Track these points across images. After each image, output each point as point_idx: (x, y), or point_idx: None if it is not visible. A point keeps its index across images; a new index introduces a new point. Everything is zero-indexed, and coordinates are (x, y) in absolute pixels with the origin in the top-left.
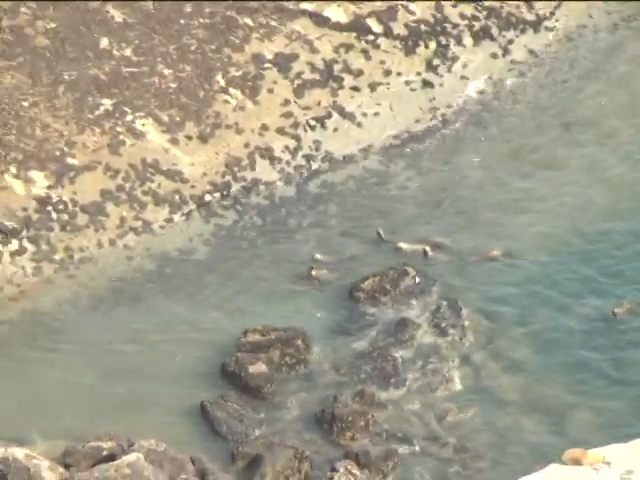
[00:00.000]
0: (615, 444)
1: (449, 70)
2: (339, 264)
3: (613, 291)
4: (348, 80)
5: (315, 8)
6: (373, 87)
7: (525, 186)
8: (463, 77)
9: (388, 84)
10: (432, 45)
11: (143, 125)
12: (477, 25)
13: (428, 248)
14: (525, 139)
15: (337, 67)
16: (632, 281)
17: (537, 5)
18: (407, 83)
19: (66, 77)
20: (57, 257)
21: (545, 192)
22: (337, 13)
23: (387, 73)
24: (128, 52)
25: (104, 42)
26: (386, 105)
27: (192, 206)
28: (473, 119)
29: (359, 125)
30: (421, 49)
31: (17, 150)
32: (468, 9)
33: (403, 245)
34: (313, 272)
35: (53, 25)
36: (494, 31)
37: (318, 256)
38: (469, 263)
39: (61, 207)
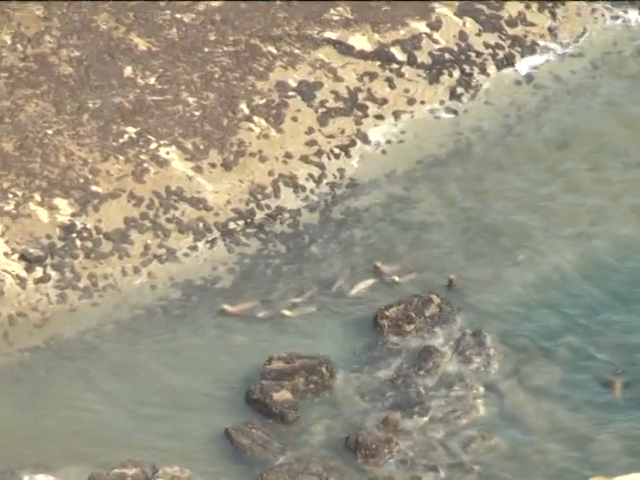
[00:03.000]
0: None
1: (473, 98)
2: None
3: None
4: (372, 108)
5: (339, 36)
6: (397, 115)
7: (548, 209)
8: (487, 103)
9: (412, 112)
10: (456, 73)
11: (167, 153)
12: (501, 53)
13: (453, 277)
14: (550, 163)
15: (361, 95)
16: None
17: (561, 35)
18: (431, 111)
19: (90, 105)
20: (81, 285)
21: (574, 217)
22: (361, 42)
23: (411, 101)
24: (152, 80)
25: (128, 70)
26: (410, 132)
27: (216, 234)
28: (498, 143)
29: (383, 152)
30: (445, 77)
31: (41, 178)
32: (492, 38)
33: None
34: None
35: (77, 53)
36: (517, 59)
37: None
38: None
39: (85, 234)
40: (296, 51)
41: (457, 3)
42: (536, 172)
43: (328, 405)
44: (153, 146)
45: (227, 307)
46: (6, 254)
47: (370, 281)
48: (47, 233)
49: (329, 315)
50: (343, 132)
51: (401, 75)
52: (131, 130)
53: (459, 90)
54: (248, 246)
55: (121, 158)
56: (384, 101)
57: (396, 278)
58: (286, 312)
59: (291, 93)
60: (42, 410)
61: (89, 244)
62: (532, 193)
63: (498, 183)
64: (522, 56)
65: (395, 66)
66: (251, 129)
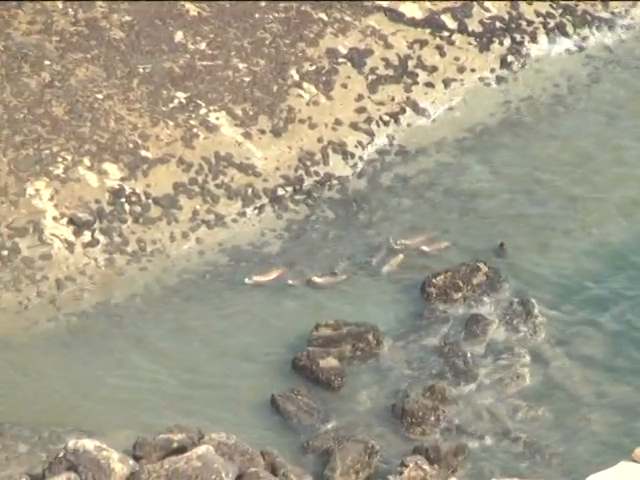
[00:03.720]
0: None
1: (523, 66)
2: (410, 259)
3: None
4: (422, 76)
5: (390, 4)
6: (447, 83)
7: (597, 180)
8: (538, 72)
9: (462, 80)
10: (506, 42)
11: (217, 119)
12: (552, 22)
13: (503, 242)
14: (600, 132)
15: (411, 63)
16: None
17: (612, 4)
18: (481, 79)
19: (140, 70)
20: (129, 249)
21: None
22: (412, 9)
23: (461, 69)
24: (203, 46)
25: (179, 35)
26: (460, 100)
27: (265, 200)
28: (548, 113)
29: (433, 120)
30: (495, 46)
31: (91, 142)
32: (543, 7)
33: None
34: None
35: (128, 18)
36: (569, 28)
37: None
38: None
39: (134, 199)
40: (347, 18)
41: None
42: (586, 143)
43: (374, 372)
44: (203, 111)
45: (257, 278)
46: (55, 218)
47: (399, 258)
48: (96, 198)
49: (375, 283)
50: (393, 99)
51: (451, 43)
52: (181, 95)
53: (509, 58)
54: (296, 212)
55: (171, 123)
56: (434, 69)
57: (425, 248)
58: (316, 279)
59: (341, 60)
60: (89, 375)
61: (138, 209)
62: (582, 164)
63: (548, 153)
64: (573, 25)
65: (445, 34)
66: (301, 95)
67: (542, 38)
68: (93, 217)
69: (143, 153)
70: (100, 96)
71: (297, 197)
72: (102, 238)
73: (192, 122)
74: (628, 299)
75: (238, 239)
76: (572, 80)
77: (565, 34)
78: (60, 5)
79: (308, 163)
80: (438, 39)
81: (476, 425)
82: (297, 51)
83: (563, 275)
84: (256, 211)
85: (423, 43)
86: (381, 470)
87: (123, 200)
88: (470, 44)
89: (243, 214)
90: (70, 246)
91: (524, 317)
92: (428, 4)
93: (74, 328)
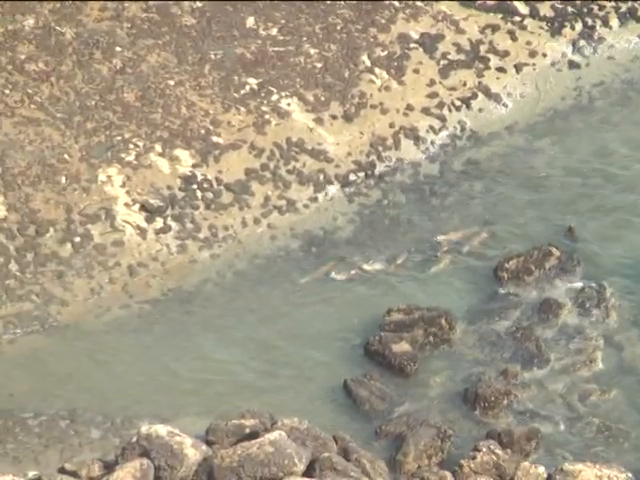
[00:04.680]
0: None
1: (595, 51)
2: (481, 242)
3: None
4: (494, 61)
5: None
6: (519, 68)
7: None
8: (610, 57)
9: (534, 65)
10: (578, 26)
11: (288, 104)
12: (624, 7)
13: (573, 225)
14: None
15: (483, 48)
16: None
17: None
18: (553, 64)
19: (212, 56)
20: (201, 235)
21: None
22: None
23: (533, 54)
24: (274, 31)
25: (250, 21)
26: (532, 85)
27: (336, 185)
28: (619, 98)
29: (504, 105)
30: (567, 30)
31: (162, 128)
32: None
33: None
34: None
35: (199, 4)
36: None
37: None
38: None
39: (206, 185)
40: (418, 3)
41: None
42: None
43: (447, 357)
44: (274, 97)
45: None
46: (127, 205)
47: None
48: (168, 184)
49: (448, 267)
50: (464, 84)
51: (523, 28)
52: (252, 81)
53: (581, 43)
54: (368, 197)
55: (242, 109)
56: (506, 53)
57: (467, 248)
58: (366, 267)
59: (413, 45)
60: (161, 361)
61: (210, 195)
62: None
63: (620, 137)
64: None
65: (517, 19)
66: (372, 81)
67: (614, 22)
68: (165, 203)
69: (215, 139)
70: (171, 82)
71: (369, 182)
72: (174, 224)
73: (264, 108)
74: None
75: (309, 224)
76: None
77: (637, 19)
78: None
79: (380, 148)
80: (510, 24)
81: (549, 409)
82: (368, 36)
83: (636, 259)
84: (328, 196)
85: (495, 28)
86: (454, 455)
87: (195, 186)
88: (542, 29)
89: (315, 199)
90: (142, 232)
91: (597, 301)
92: None
93: (146, 315)
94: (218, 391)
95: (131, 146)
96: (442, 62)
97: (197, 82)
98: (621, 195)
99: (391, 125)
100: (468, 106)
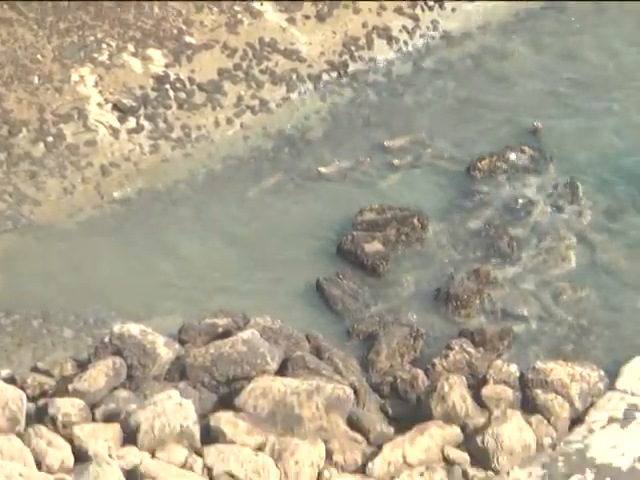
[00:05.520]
0: None
1: None
2: (453, 143)
3: None
4: None
5: None
6: None
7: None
8: None
9: None
10: None
11: (261, 4)
12: None
13: (539, 124)
14: None
15: None
16: None
17: None
18: None
19: None
20: (174, 135)
21: None
22: None
23: None
24: None
25: None
26: None
27: (309, 85)
28: None
29: (477, 5)
30: None
31: (135, 28)
32: None
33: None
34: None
35: None
36: None
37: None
38: None
39: (179, 85)
40: None
41: None
42: (631, 29)
43: (419, 256)
44: None
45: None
46: (99, 104)
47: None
48: (140, 84)
49: (421, 167)
50: None
51: None
52: None
53: None
54: (341, 95)
55: (215, 9)
56: None
57: (395, 162)
58: (322, 170)
59: None
60: (134, 261)
61: (182, 95)
62: (626, 50)
63: (593, 38)
64: None
65: None
66: None
67: None
68: (138, 103)
69: (187, 39)
70: None
71: (341, 81)
72: (147, 124)
73: (236, 8)
74: None
75: (282, 123)
76: None
77: None
78: None
79: (353, 48)
80: None
81: (521, 308)
82: None
83: (608, 155)
84: (300, 96)
85: None
86: (426, 354)
87: (167, 86)
88: None
89: (287, 99)
90: (115, 132)
91: (569, 198)
92: None
93: (119, 214)
94: (191, 291)
95: (104, 46)
96: None
97: None
98: (591, 93)
99: (364, 25)
100: (441, 6)
